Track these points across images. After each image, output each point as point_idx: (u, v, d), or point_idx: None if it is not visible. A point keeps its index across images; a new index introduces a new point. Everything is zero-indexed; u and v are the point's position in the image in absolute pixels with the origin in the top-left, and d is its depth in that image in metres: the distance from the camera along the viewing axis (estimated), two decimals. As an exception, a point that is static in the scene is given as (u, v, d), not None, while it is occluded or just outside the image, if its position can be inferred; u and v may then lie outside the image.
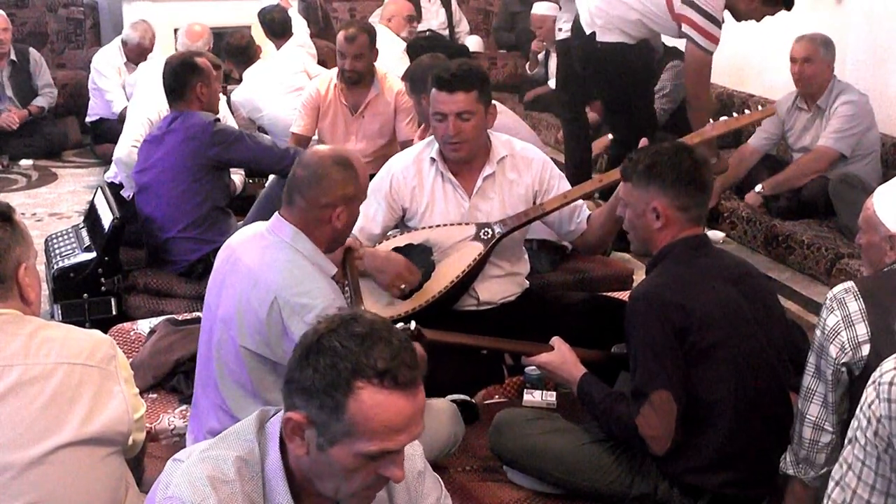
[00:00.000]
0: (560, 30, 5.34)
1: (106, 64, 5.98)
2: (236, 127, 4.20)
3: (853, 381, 2.07)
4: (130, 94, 5.11)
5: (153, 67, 4.88)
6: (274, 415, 1.54)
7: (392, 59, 5.15)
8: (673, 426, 2.22)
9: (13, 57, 6.41)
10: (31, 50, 6.60)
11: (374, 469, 1.45)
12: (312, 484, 1.50)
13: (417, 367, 1.45)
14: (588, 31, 4.41)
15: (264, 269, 2.25)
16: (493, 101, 3.02)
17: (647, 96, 4.70)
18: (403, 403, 1.42)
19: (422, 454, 1.71)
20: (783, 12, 4.33)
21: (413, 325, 2.53)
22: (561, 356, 2.53)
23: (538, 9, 6.90)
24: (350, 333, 1.42)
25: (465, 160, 2.99)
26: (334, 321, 1.46)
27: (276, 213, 2.34)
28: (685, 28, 4.17)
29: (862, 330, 2.02)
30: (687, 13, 4.15)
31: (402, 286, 2.89)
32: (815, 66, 4.54)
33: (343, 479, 1.46)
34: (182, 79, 3.78)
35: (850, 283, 2.09)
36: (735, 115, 3.05)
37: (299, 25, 6.51)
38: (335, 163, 2.29)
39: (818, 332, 2.10)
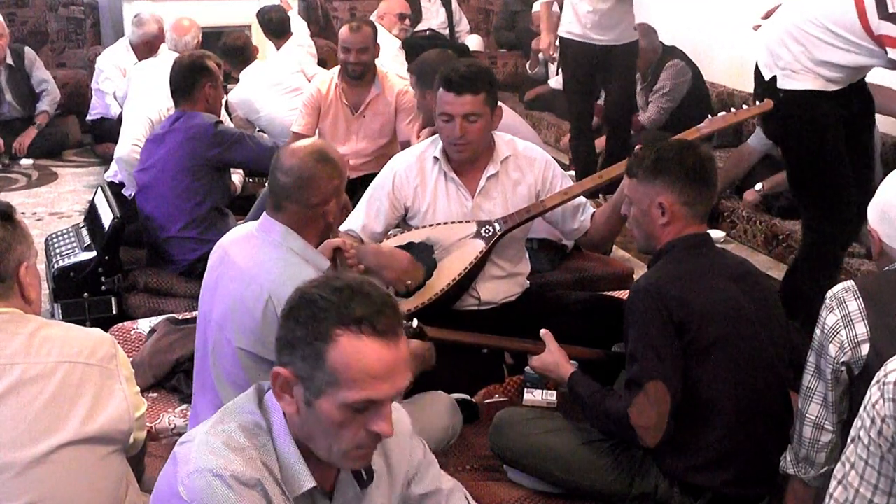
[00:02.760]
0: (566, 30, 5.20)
1: (110, 65, 5.94)
2: (234, 128, 4.20)
3: (853, 381, 2.07)
4: (124, 96, 5.10)
5: (150, 68, 4.90)
6: (269, 388, 1.57)
7: (387, 57, 5.15)
8: (666, 418, 2.21)
9: (9, 60, 6.40)
10: (26, 49, 6.58)
11: (363, 423, 1.47)
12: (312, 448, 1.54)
13: (399, 320, 1.48)
14: (768, 76, 3.34)
15: (257, 269, 2.25)
16: (499, 104, 3.01)
17: (840, 164, 3.32)
18: (384, 351, 1.44)
19: (408, 419, 1.75)
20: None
21: (415, 322, 2.53)
22: (552, 358, 2.53)
23: (539, 6, 6.91)
24: (331, 287, 1.47)
25: (468, 161, 2.99)
26: (317, 280, 1.51)
27: (265, 214, 2.34)
28: (892, 52, 3.02)
29: (861, 329, 2.02)
30: (889, 31, 3.00)
31: (408, 282, 2.90)
32: None
33: (333, 435, 1.48)
34: (191, 78, 3.79)
35: (849, 283, 2.09)
36: (733, 110, 3.04)
37: (299, 25, 6.51)
38: (317, 160, 2.29)
39: (818, 331, 2.10)
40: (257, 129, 5.31)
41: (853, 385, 2.07)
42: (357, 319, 1.44)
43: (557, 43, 5.41)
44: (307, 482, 1.51)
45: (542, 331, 2.57)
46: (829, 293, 2.10)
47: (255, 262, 2.26)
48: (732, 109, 3.04)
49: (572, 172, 5.26)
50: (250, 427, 1.51)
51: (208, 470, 1.44)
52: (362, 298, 1.45)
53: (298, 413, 1.49)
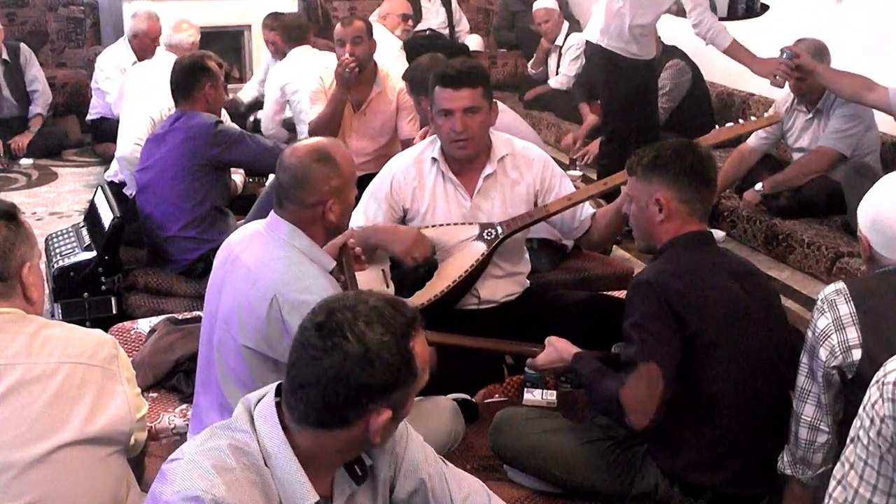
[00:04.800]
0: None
1: (111, 64, 5.94)
2: (234, 127, 4.20)
3: (847, 384, 2.06)
4: (120, 95, 5.10)
5: (146, 69, 4.91)
6: (259, 401, 1.58)
7: (388, 58, 5.14)
8: (657, 402, 2.20)
9: (5, 56, 6.40)
10: (22, 45, 6.59)
11: None
12: (336, 458, 1.60)
13: None
14: None
15: (263, 268, 2.26)
16: (494, 100, 3.03)
17: None
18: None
19: None
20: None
21: None
22: (555, 350, 2.54)
23: (543, 2, 6.91)
24: (377, 323, 1.51)
25: (469, 158, 2.99)
26: (347, 327, 1.50)
27: (272, 212, 2.34)
28: None
29: (853, 334, 2.01)
30: None
31: (416, 255, 2.89)
32: (809, 81, 4.49)
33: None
34: (191, 78, 3.79)
35: (841, 285, 2.07)
36: (741, 121, 3.10)
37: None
38: (314, 159, 2.28)
39: (809, 334, 2.09)
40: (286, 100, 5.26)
41: (848, 388, 2.06)
42: (414, 320, 1.57)
43: (597, 55, 5.19)
44: (311, 497, 1.52)
45: (548, 339, 2.59)
46: (821, 294, 2.09)
47: (261, 262, 2.27)
48: (741, 120, 3.10)
49: (573, 172, 5.25)
50: (240, 446, 1.52)
51: (192, 492, 1.44)
52: (398, 306, 1.57)
53: (381, 437, 1.55)
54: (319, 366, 1.49)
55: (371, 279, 2.93)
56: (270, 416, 1.54)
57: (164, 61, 4.84)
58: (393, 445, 1.73)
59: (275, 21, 5.83)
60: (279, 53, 5.75)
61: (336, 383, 1.48)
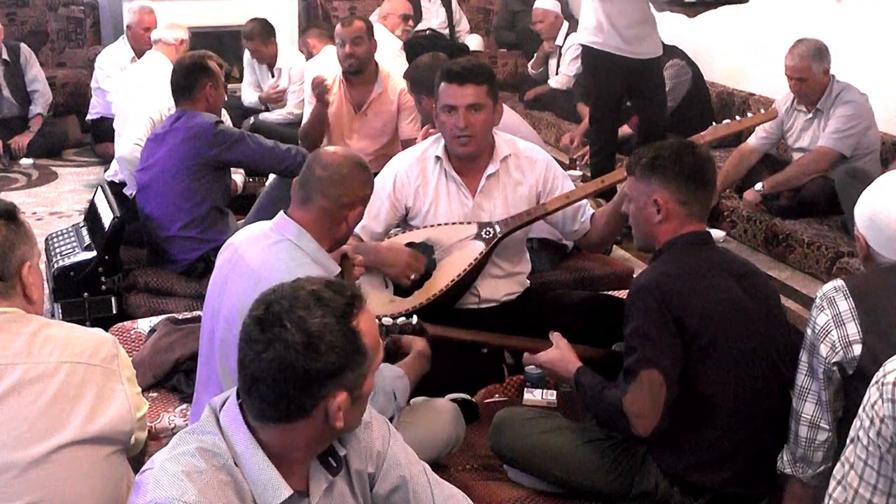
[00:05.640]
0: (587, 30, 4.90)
1: (110, 63, 5.95)
2: (234, 128, 4.21)
3: (848, 381, 2.06)
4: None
5: (141, 66, 4.91)
6: (223, 404, 1.58)
7: (388, 58, 5.15)
8: (660, 409, 2.20)
9: (5, 56, 6.41)
10: (22, 45, 6.61)
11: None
12: (306, 451, 1.58)
13: None
14: None
15: (267, 268, 2.26)
16: (499, 101, 3.03)
17: None
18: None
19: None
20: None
21: (415, 319, 2.54)
22: (560, 353, 2.53)
23: (541, 3, 6.93)
24: (315, 307, 1.50)
25: (471, 156, 2.99)
26: (285, 316, 1.50)
27: (282, 212, 2.35)
28: None
29: (853, 329, 2.01)
30: None
31: (411, 275, 2.91)
32: (809, 82, 4.50)
33: (366, 399, 1.61)
34: (192, 78, 3.79)
35: (839, 282, 2.08)
36: (738, 118, 3.09)
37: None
38: (357, 164, 2.36)
39: (809, 331, 2.10)
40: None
41: (848, 385, 2.06)
42: (357, 299, 1.55)
43: (580, 53, 5.19)
44: (284, 492, 1.52)
45: (554, 333, 2.58)
46: (819, 292, 2.10)
47: (265, 261, 2.27)
48: (738, 117, 3.10)
49: (573, 172, 5.24)
50: (209, 447, 1.52)
51: (163, 500, 1.44)
52: (336, 287, 1.56)
53: (344, 421, 1.53)
54: (264, 360, 1.48)
55: (370, 280, 2.93)
56: (235, 417, 1.54)
57: (154, 60, 4.87)
58: (372, 444, 1.72)
59: (261, 29, 5.98)
60: (266, 58, 6.01)
61: (283, 374, 1.48)
